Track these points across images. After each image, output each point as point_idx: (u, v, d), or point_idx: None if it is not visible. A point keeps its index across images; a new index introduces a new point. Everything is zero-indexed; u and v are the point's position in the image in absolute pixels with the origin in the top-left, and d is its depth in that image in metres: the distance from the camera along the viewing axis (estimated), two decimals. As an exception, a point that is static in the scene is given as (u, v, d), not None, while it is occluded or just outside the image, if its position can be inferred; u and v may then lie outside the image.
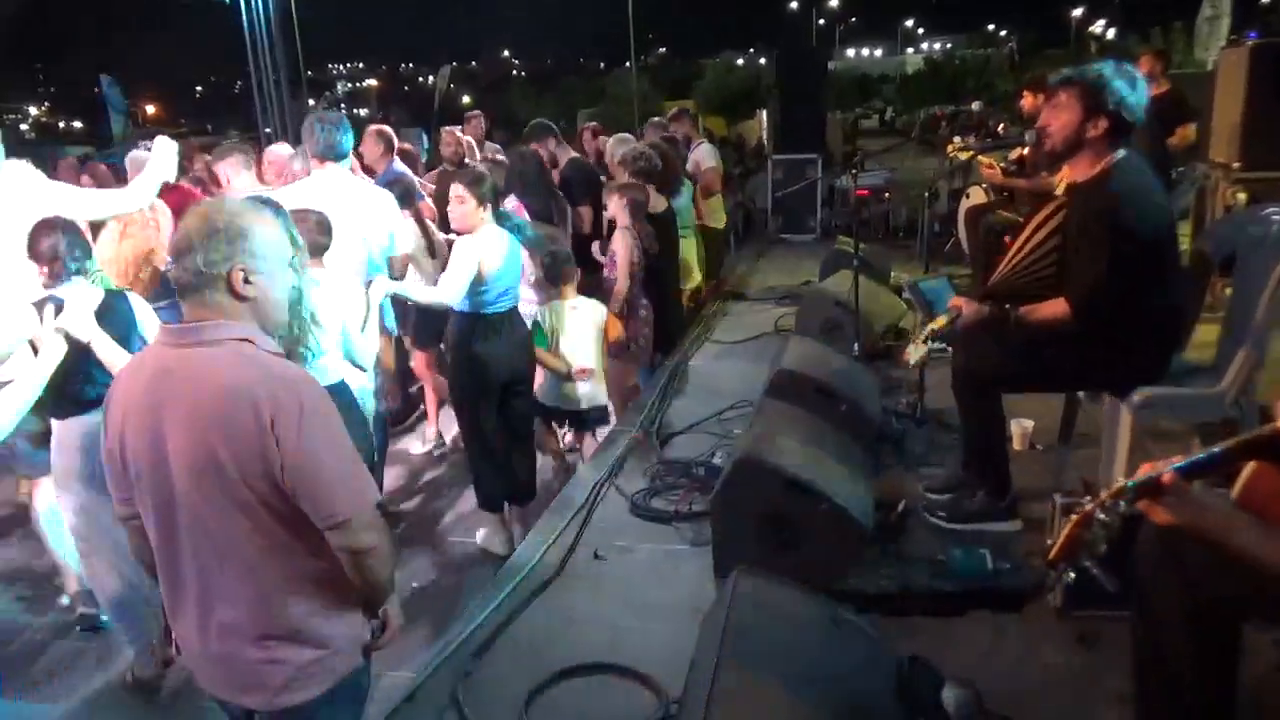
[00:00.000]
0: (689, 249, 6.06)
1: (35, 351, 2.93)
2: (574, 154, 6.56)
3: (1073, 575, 1.64)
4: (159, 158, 3.88)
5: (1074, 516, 1.63)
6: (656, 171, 5.21)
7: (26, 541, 4.49)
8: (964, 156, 7.77)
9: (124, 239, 3.93)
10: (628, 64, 25.68)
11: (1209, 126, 5.92)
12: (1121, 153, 2.79)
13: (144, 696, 3.21)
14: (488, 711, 2.43)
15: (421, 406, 5.89)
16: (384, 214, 4.08)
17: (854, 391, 3.68)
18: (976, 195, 6.88)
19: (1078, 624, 2.56)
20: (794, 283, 7.28)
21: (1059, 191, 3.05)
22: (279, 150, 5.45)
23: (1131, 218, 2.70)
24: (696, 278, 6.30)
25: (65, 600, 3.80)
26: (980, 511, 3.11)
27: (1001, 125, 12.27)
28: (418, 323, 5.26)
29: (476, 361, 3.90)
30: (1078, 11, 53.88)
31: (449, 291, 3.75)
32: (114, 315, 2.98)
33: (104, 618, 3.51)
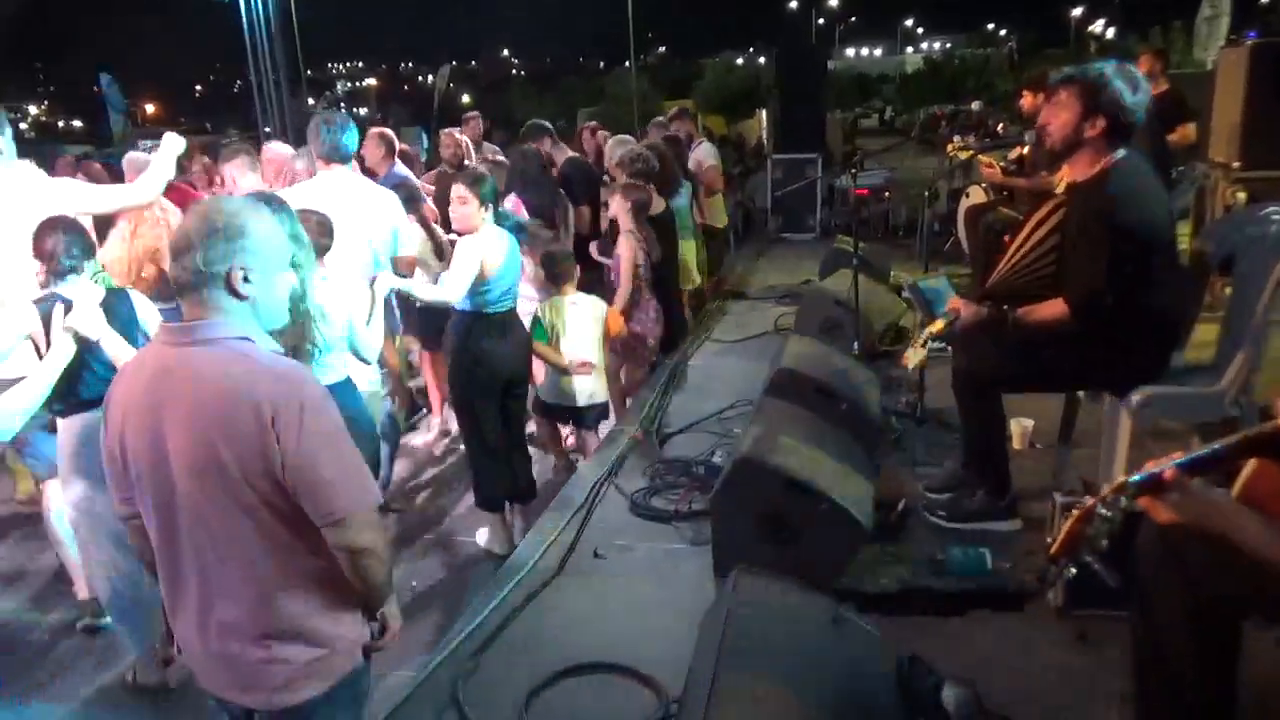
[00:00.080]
0: (688, 251, 6.05)
1: (37, 349, 2.94)
2: (571, 153, 6.56)
3: (1074, 571, 1.64)
4: (166, 153, 3.88)
5: (1075, 512, 1.63)
6: (654, 173, 5.21)
7: (25, 542, 4.50)
8: (964, 156, 7.78)
9: (134, 239, 3.94)
10: (627, 64, 25.73)
11: (1208, 126, 5.91)
12: (1121, 152, 2.78)
13: (145, 697, 3.21)
14: (488, 711, 2.43)
15: (424, 409, 5.90)
16: (388, 214, 4.10)
17: (854, 391, 3.67)
18: (976, 195, 6.88)
19: (1078, 623, 2.56)
20: (794, 282, 7.28)
21: (1059, 190, 3.05)
22: (277, 149, 5.44)
23: (1130, 218, 2.70)
24: (696, 280, 6.30)
25: (74, 609, 3.80)
26: (980, 511, 3.11)
27: (1001, 125, 12.28)
28: (420, 322, 5.26)
29: (480, 360, 3.91)
30: (1077, 11, 53.97)
31: (452, 290, 3.77)
32: (115, 314, 2.99)
33: (106, 619, 3.51)
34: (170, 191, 4.36)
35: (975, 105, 19.52)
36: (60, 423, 3.06)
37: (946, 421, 3.89)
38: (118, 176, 5.71)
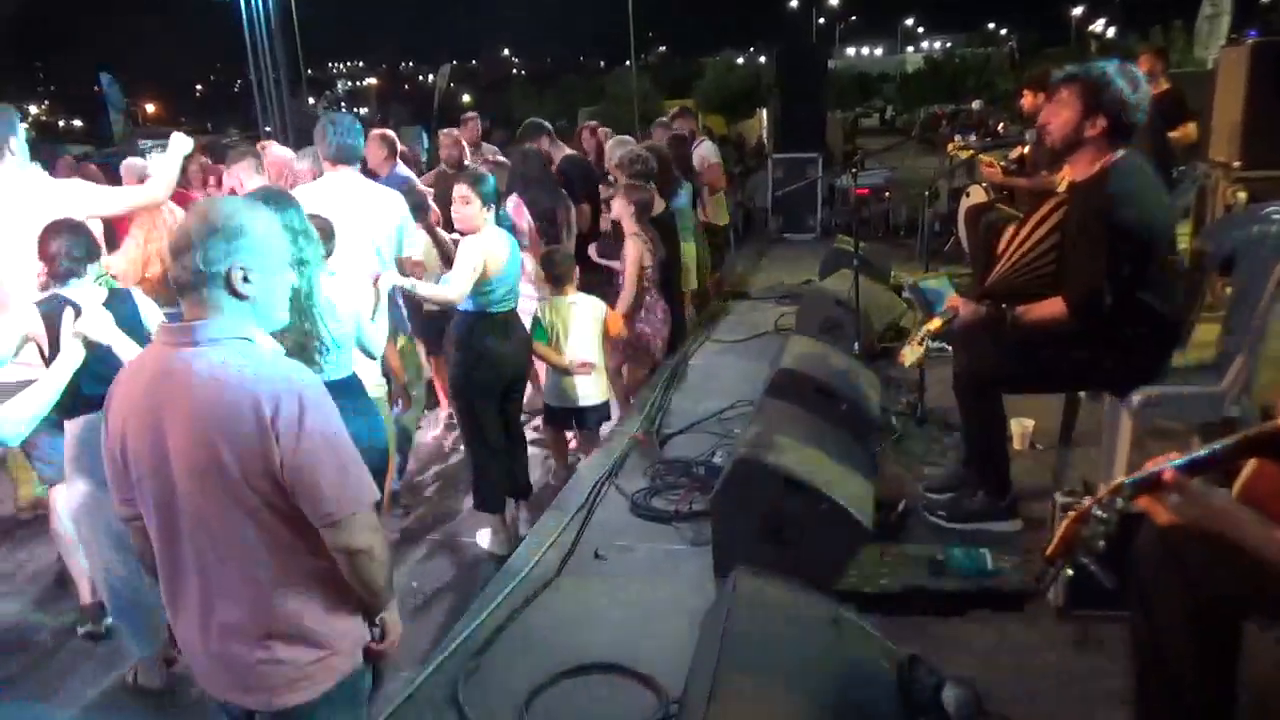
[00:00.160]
0: (688, 252, 6.04)
1: (40, 351, 2.95)
2: (570, 151, 6.56)
3: (1070, 572, 1.64)
4: (174, 154, 3.89)
5: (1072, 513, 1.63)
6: (654, 173, 5.21)
7: (27, 546, 4.50)
8: (964, 155, 7.77)
9: (148, 243, 3.97)
10: (628, 63, 25.73)
11: (1209, 125, 5.91)
12: (1121, 152, 2.78)
13: (146, 698, 3.21)
14: (488, 711, 2.43)
15: (426, 412, 5.89)
16: (394, 215, 4.14)
17: (854, 391, 3.68)
18: (977, 194, 6.87)
19: (1078, 624, 2.55)
20: (794, 282, 7.28)
21: (1061, 189, 3.04)
22: (277, 152, 5.45)
23: (1130, 217, 2.70)
24: (693, 281, 6.28)
25: (75, 613, 3.80)
26: (980, 511, 3.11)
27: (1002, 124, 12.27)
28: (422, 325, 5.25)
29: (482, 360, 3.92)
30: (1078, 10, 53.97)
31: (455, 289, 3.78)
32: (118, 314, 2.99)
33: (107, 621, 3.51)
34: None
35: (976, 105, 19.53)
36: (68, 424, 3.08)
37: (947, 422, 3.89)
38: (114, 179, 5.71)
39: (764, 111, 15.75)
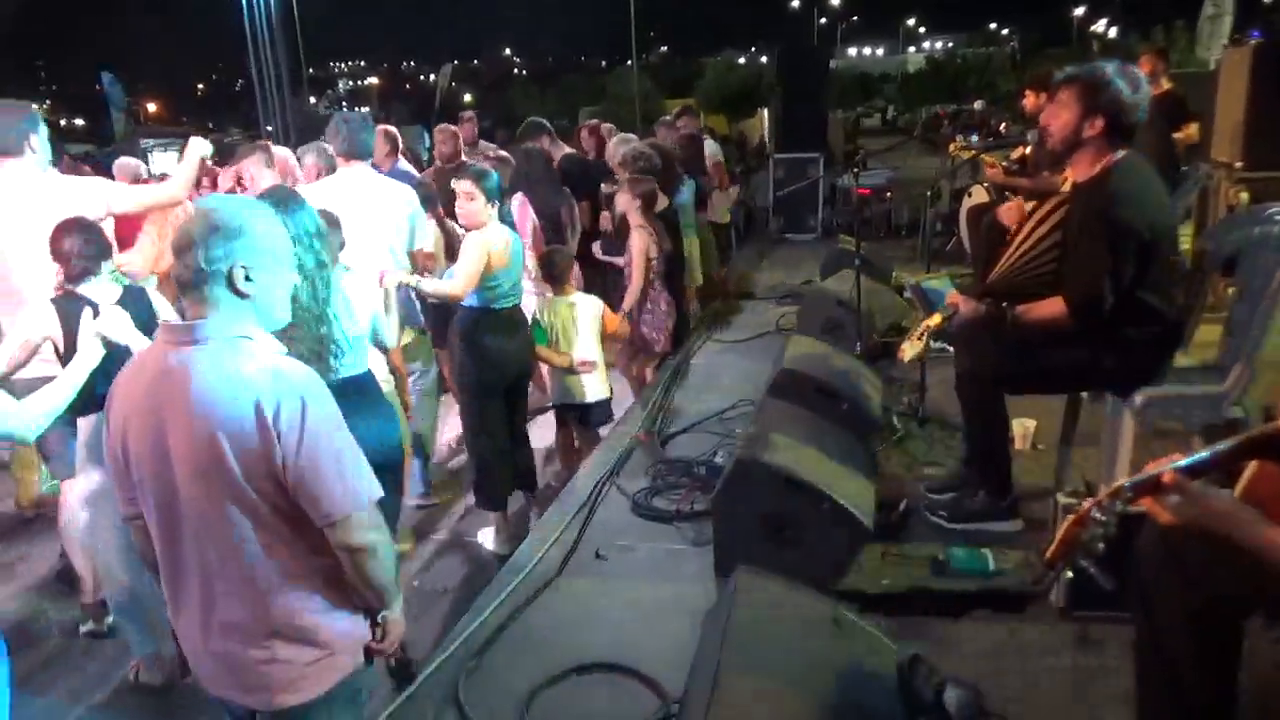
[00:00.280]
0: (691, 248, 6.06)
1: (56, 349, 2.97)
2: (569, 150, 6.56)
3: (1070, 574, 1.64)
4: (192, 156, 3.91)
5: (1072, 516, 1.63)
6: (657, 170, 5.22)
7: (31, 543, 4.50)
8: (966, 156, 7.78)
9: (162, 239, 4.00)
10: (629, 62, 25.73)
11: (1211, 126, 5.90)
12: (1122, 152, 2.78)
13: (148, 696, 3.22)
14: (488, 710, 2.42)
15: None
16: (407, 207, 4.19)
17: (855, 391, 3.67)
18: (978, 194, 6.87)
19: (1079, 624, 2.55)
20: (795, 282, 7.28)
21: (1064, 189, 3.04)
22: (280, 152, 5.46)
23: (1130, 217, 2.69)
24: (698, 277, 6.30)
25: (78, 611, 3.80)
26: (981, 511, 3.11)
27: (1003, 124, 12.28)
28: (433, 316, 5.26)
29: (487, 356, 3.93)
30: (1079, 10, 53.96)
31: (459, 285, 3.79)
32: (131, 312, 3.00)
33: (109, 620, 3.51)
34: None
35: (977, 105, 19.55)
36: (81, 421, 3.12)
37: (948, 422, 3.89)
38: (109, 178, 5.71)
39: (765, 111, 15.78)
